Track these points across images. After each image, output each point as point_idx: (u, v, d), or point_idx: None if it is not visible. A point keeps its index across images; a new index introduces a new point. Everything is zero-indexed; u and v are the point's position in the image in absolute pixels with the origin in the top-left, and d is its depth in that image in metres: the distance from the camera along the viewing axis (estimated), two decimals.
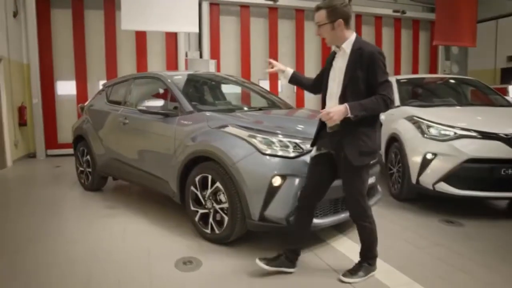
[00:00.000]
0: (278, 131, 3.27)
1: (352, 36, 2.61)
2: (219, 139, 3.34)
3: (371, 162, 2.72)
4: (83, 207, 4.78)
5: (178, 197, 3.76)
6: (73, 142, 5.75)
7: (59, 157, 8.62)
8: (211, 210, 3.39)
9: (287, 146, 3.14)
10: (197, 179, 3.47)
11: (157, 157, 4.00)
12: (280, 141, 3.16)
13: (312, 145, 2.83)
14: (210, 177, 3.36)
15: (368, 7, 10.92)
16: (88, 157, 5.31)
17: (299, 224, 2.84)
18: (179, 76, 4.41)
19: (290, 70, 2.96)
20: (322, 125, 2.69)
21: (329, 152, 2.68)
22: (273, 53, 10.19)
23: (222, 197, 3.30)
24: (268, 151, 3.10)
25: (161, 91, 4.50)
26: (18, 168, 7.65)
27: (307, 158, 3.09)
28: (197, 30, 7.83)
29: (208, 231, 3.43)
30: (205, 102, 4.43)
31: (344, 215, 3.31)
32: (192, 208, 3.56)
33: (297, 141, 3.18)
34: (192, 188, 3.53)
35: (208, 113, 3.70)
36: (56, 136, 9.07)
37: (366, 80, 2.49)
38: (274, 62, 2.94)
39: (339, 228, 3.73)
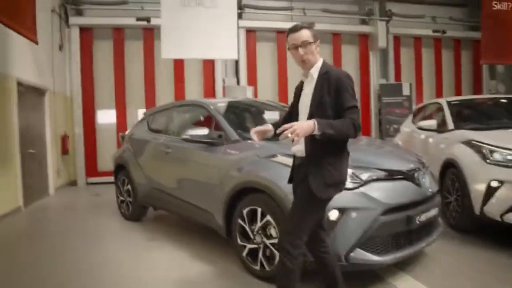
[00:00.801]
0: None
1: (319, 62, 2.42)
2: (268, 169, 3.14)
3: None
4: (124, 238, 4.66)
5: (223, 230, 3.57)
6: (114, 171, 5.72)
7: (99, 185, 8.68)
8: (261, 245, 3.16)
9: None
10: (245, 211, 3.27)
11: (201, 187, 3.85)
12: None
13: (289, 182, 2.59)
14: (259, 210, 3.15)
15: (406, 29, 10.66)
16: (129, 186, 5.24)
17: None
18: (222, 103, 4.29)
19: (271, 128, 2.61)
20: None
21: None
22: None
23: (273, 232, 3.08)
24: None
25: (202, 118, 4.40)
26: (60, 196, 7.73)
27: (366, 189, 2.85)
28: (236, 57, 7.81)
29: (257, 267, 3.19)
30: (249, 130, 4.27)
31: (408, 251, 3.02)
32: (240, 243, 3.35)
33: (354, 170, 2.94)
34: (240, 221, 3.32)
35: (255, 142, 3.51)
36: (96, 164, 9.19)
37: (334, 106, 2.29)
38: (257, 130, 2.59)
39: (400, 265, 3.40)
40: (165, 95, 9.14)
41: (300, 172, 2.41)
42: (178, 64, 9.41)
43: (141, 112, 8.96)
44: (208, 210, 3.74)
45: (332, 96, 2.27)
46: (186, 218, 4.53)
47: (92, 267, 3.70)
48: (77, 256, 4.04)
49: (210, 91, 9.41)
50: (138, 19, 9.02)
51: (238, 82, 9.54)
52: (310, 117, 2.27)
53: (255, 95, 9.41)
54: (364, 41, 10.50)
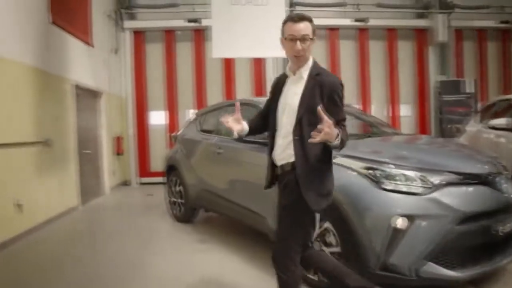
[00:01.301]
0: (400, 162, 2.74)
1: (310, 60, 2.19)
2: None
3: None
4: (174, 240, 4.60)
5: None
6: (165, 172, 5.71)
7: (150, 185, 8.81)
8: None
9: (413, 180, 2.61)
10: None
11: (253, 189, 3.67)
12: (403, 174, 2.64)
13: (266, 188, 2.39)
14: (318, 216, 2.91)
15: (469, 21, 9.91)
16: (180, 187, 5.19)
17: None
18: None
19: (246, 127, 2.41)
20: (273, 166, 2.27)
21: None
22: (364, 77, 9.65)
23: (332, 240, 2.84)
24: (390, 186, 2.60)
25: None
26: (114, 196, 7.91)
27: (439, 194, 2.54)
28: (283, 55, 7.57)
29: (315, 277, 2.96)
30: None
31: (487, 267, 2.67)
32: None
33: (423, 173, 2.64)
34: None
35: None
36: (148, 165, 9.36)
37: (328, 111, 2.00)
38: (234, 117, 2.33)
39: (476, 282, 3.02)
40: (215, 95, 9.12)
41: (286, 182, 2.17)
42: (228, 64, 9.36)
43: (191, 113, 9.03)
44: (260, 213, 3.57)
45: (325, 102, 2.04)
46: (237, 221, 4.38)
47: (140, 268, 3.67)
48: (126, 256, 4.05)
49: (260, 90, 9.27)
50: (188, 21, 9.08)
51: None
52: (299, 121, 2.07)
53: None
54: (421, 36, 9.89)
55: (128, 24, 9.21)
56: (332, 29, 9.58)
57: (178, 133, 5.67)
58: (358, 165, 2.79)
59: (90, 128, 7.39)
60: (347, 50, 9.72)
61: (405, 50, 9.90)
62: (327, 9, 9.49)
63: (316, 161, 2.09)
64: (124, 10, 9.19)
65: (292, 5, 9.12)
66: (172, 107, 9.40)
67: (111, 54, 8.63)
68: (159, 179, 7.11)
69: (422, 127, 9.89)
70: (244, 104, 4.33)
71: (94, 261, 3.96)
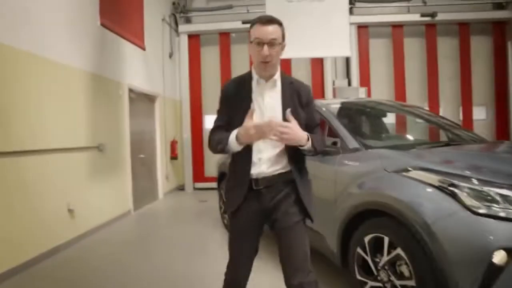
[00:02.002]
0: (494, 179, 2.20)
1: (279, 68, 2.02)
2: (400, 187, 2.42)
3: None
4: (225, 253, 4.28)
5: (338, 258, 2.93)
6: (217, 179, 5.45)
7: (205, 191, 8.66)
8: (387, 285, 2.46)
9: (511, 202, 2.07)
10: (366, 239, 2.60)
11: (315, 206, 3.26)
12: (500, 194, 2.10)
13: (233, 212, 2.00)
14: (386, 240, 2.45)
15: None
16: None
17: None
18: (335, 105, 3.65)
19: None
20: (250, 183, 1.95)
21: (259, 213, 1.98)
22: (433, 76, 8.84)
23: (405, 270, 2.36)
24: (483, 210, 2.07)
25: None
26: (168, 201, 7.83)
27: None
28: (349, 54, 7.09)
29: None
30: (371, 136, 3.57)
31: None
32: (358, 277, 2.68)
33: None
34: (359, 250, 2.67)
35: (381, 151, 2.82)
36: (203, 170, 9.21)
37: (304, 121, 1.97)
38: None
39: None
40: None
41: (284, 194, 1.97)
42: (285, 66, 8.98)
43: None
44: (319, 231, 3.14)
45: (305, 110, 1.99)
46: None
47: (188, 280, 3.45)
48: (175, 266, 3.87)
49: (319, 93, 8.80)
50: (243, 22, 8.84)
51: (349, 83, 8.78)
52: None
53: (369, 96, 8.54)
54: (499, 30, 8.87)
55: (183, 28, 9.17)
56: (396, 26, 8.88)
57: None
58: (436, 179, 2.28)
59: (144, 132, 7.36)
60: (413, 48, 8.96)
61: (479, 46, 8.94)
62: (390, 4, 8.83)
63: (306, 170, 2.07)
64: (178, 14, 9.18)
65: (351, 2, 8.57)
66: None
67: (166, 58, 8.61)
68: (214, 184, 6.89)
69: (500, 132, 8.87)
70: None
71: (142, 270, 3.81)
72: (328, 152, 3.08)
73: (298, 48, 6.55)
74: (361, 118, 3.75)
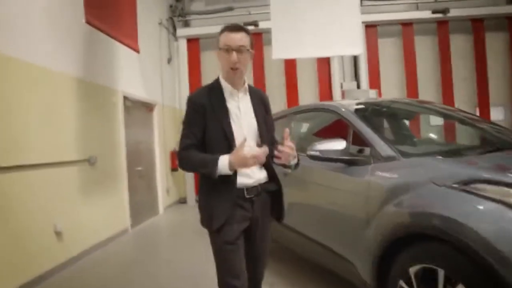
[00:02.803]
0: None
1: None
2: (458, 205, 1.89)
3: None
4: None
5: None
6: None
7: None
8: None
9: None
10: (412, 271, 2.06)
11: (337, 224, 2.74)
12: None
13: (219, 227, 1.88)
14: (441, 273, 1.92)
15: None
16: None
17: None
18: (358, 106, 3.14)
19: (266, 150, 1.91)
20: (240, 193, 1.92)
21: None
22: (447, 76, 8.32)
23: None
24: None
25: (331, 127, 3.31)
26: (169, 216, 7.30)
27: None
28: (361, 51, 6.58)
29: None
30: (408, 142, 3.05)
31: None
32: None
33: None
34: (402, 283, 2.13)
35: (425, 160, 2.30)
36: None
37: (271, 128, 2.12)
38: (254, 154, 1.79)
39: None
40: (276, 103, 8.25)
41: (263, 201, 2.02)
42: (290, 69, 8.52)
43: None
44: (348, 258, 2.62)
45: (267, 117, 2.08)
46: (315, 262, 3.42)
47: None
48: None
49: (326, 96, 8.30)
50: (245, 24, 8.39)
51: (358, 85, 8.28)
52: (261, 138, 1.97)
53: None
54: None
55: (182, 32, 8.72)
56: (406, 24, 8.40)
57: None
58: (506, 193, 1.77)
59: (142, 143, 6.85)
60: (424, 47, 8.47)
61: (495, 43, 8.43)
62: (400, 1, 8.37)
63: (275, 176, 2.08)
64: (176, 17, 8.74)
65: None
66: None
67: (164, 64, 8.14)
68: None
69: None
70: (316, 110, 3.44)
71: None
72: (354, 162, 2.57)
73: (305, 48, 6.08)
74: (389, 120, 3.22)
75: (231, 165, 1.78)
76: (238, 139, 1.85)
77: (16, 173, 3.61)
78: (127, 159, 5.96)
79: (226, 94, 1.96)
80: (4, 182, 3.46)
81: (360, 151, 2.65)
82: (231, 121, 1.91)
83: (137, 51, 5.31)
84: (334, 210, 2.76)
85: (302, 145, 3.49)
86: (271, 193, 2.04)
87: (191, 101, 1.96)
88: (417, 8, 8.43)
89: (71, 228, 4.35)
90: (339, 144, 2.57)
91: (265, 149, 1.78)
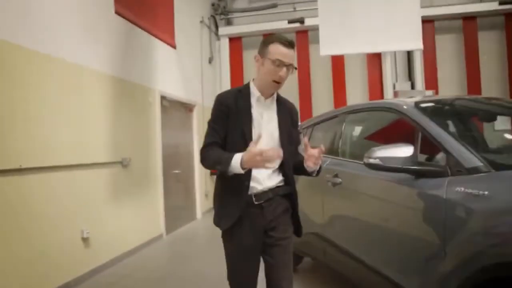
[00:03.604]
0: None
1: None
2: None
3: None
4: None
5: None
6: None
7: None
8: None
9: None
10: None
11: (399, 248, 2.21)
12: None
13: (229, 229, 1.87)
14: None
15: None
16: None
17: None
18: (428, 104, 2.59)
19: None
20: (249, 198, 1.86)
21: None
22: None
23: None
24: None
25: (393, 130, 2.78)
26: (207, 221, 6.90)
27: None
28: (420, 47, 5.91)
29: None
30: (494, 150, 2.46)
31: None
32: None
33: None
34: None
35: None
36: None
37: (296, 138, 2.10)
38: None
39: None
40: (322, 105, 7.74)
41: (273, 209, 1.91)
42: (337, 69, 7.97)
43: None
44: (401, 284, 2.09)
45: (293, 129, 2.06)
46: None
47: None
48: None
49: (377, 98, 7.67)
50: (289, 22, 7.98)
51: (412, 86, 7.59)
52: (284, 152, 1.84)
53: None
54: None
55: (224, 30, 8.42)
56: (468, 17, 7.60)
57: None
58: None
59: (180, 145, 6.57)
60: (489, 43, 7.63)
61: None
62: None
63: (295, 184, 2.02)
64: (218, 16, 8.45)
65: None
66: None
67: (205, 63, 7.85)
68: None
69: None
70: (373, 109, 2.91)
71: None
72: (425, 173, 2.04)
73: (356, 43, 5.53)
74: (469, 122, 2.61)
75: (242, 163, 1.72)
76: (260, 144, 1.76)
77: (41, 175, 3.37)
78: (163, 161, 5.69)
79: (253, 100, 1.94)
80: (32, 183, 3.24)
81: (430, 159, 2.12)
82: (252, 127, 1.89)
83: (174, 46, 5.01)
84: (395, 231, 2.23)
85: (354, 151, 2.99)
86: (287, 197, 1.97)
87: (218, 101, 1.94)
88: (481, 0, 7.61)
89: (100, 234, 4.09)
90: (405, 151, 2.05)
91: (278, 150, 1.72)
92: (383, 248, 2.36)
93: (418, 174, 2.05)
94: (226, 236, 1.94)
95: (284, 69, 1.84)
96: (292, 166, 1.96)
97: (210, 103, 6.89)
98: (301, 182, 3.53)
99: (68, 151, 3.71)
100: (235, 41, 8.48)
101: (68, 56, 3.77)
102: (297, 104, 8.00)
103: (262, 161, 1.67)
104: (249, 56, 8.50)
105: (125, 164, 4.62)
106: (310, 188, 3.34)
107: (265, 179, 1.89)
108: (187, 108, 6.94)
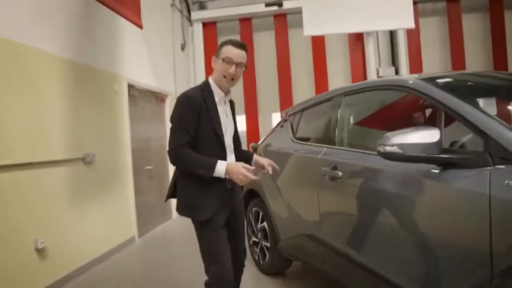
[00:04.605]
0: None
1: None
2: None
3: None
4: None
5: None
6: (244, 198, 4.05)
7: None
8: None
9: None
10: None
11: (412, 253, 1.79)
12: None
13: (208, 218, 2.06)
14: None
15: None
16: (265, 224, 3.48)
17: None
18: (448, 79, 2.17)
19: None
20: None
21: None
22: (501, 60, 7.20)
23: None
24: None
25: (405, 113, 2.35)
26: (184, 220, 6.39)
27: None
28: (412, 25, 5.53)
29: None
30: None
31: None
32: None
33: None
34: None
35: None
36: None
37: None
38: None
39: None
40: (302, 93, 7.30)
41: (236, 192, 2.28)
42: (318, 54, 7.55)
43: (276, 117, 7.37)
44: None
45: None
46: None
47: None
48: None
49: (360, 78, 7.30)
50: (267, 5, 7.51)
51: (396, 71, 7.27)
52: (234, 143, 2.27)
53: None
54: None
55: (197, 15, 7.85)
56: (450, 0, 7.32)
57: (260, 143, 3.96)
58: None
59: (152, 139, 6.02)
60: (474, 26, 7.39)
61: None
62: None
63: None
64: None
65: None
66: (252, 110, 7.79)
67: (177, 50, 7.29)
68: None
69: None
70: (380, 87, 2.46)
71: None
72: (454, 163, 1.62)
73: (342, 22, 5.10)
74: (498, 101, 2.19)
75: (227, 173, 1.98)
76: (227, 143, 2.15)
77: None
78: (133, 157, 5.14)
79: (217, 99, 2.13)
80: None
81: (460, 145, 1.71)
82: (221, 124, 2.12)
83: (140, 26, 4.44)
84: (413, 233, 1.80)
85: (355, 139, 2.56)
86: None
87: (189, 99, 2.05)
88: None
89: (59, 242, 3.55)
90: (430, 135, 1.62)
91: (255, 178, 2.00)
92: (396, 253, 1.94)
93: (448, 164, 1.63)
94: (203, 225, 2.07)
95: (234, 66, 2.07)
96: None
97: None
98: (287, 175, 3.10)
99: (17, 147, 3.14)
100: (209, 26, 7.93)
101: (17, 37, 3.18)
102: (276, 92, 7.62)
103: (242, 180, 1.97)
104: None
105: (88, 160, 4.07)
106: (300, 183, 2.90)
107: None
108: (159, 98, 6.38)
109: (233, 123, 2.25)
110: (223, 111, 2.16)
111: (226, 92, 2.17)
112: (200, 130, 2.03)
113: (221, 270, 2.04)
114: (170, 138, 2.05)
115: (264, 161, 2.24)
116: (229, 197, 2.15)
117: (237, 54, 2.07)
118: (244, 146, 6.50)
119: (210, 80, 2.15)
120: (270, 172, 2.19)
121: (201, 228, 2.08)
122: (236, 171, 1.95)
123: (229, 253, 2.11)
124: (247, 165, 1.99)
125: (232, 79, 2.10)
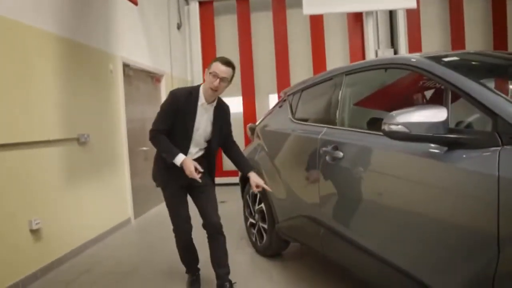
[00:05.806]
0: None
1: None
2: None
3: None
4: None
5: None
6: (240, 180, 4.01)
7: (224, 187, 7.19)
8: None
9: None
10: None
11: (431, 241, 1.73)
12: None
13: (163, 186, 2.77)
14: None
15: None
16: (262, 205, 3.45)
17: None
18: (454, 58, 2.11)
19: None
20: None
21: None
22: (502, 44, 7.12)
23: None
24: None
25: (409, 92, 2.29)
26: None
27: None
28: (414, 5, 5.44)
29: None
30: None
31: None
32: None
33: None
34: None
35: None
36: (221, 162, 7.74)
37: (226, 132, 2.81)
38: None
39: None
40: (300, 75, 7.21)
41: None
42: (317, 36, 7.45)
43: (273, 99, 7.30)
44: (425, 281, 1.66)
45: (226, 124, 2.81)
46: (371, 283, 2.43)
47: None
48: None
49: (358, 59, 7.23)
50: None
51: (395, 53, 7.19)
52: (209, 142, 2.74)
53: None
54: None
55: None
56: None
57: (258, 123, 3.91)
58: None
59: (148, 119, 5.91)
60: (474, 9, 7.28)
61: None
62: None
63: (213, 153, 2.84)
64: None
65: None
66: (249, 91, 7.69)
67: (173, 30, 7.14)
68: (234, 179, 5.45)
69: None
70: (383, 66, 2.39)
71: None
72: (461, 143, 1.57)
73: (341, 0, 4.97)
74: (506, 80, 2.13)
75: (182, 164, 2.50)
76: (194, 138, 2.63)
77: None
78: (128, 137, 5.07)
79: (199, 103, 2.58)
80: None
81: (468, 125, 1.66)
82: (194, 124, 2.58)
83: (135, 3, 4.32)
84: (424, 216, 1.75)
85: (357, 119, 2.51)
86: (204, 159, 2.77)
87: (174, 97, 2.57)
88: None
89: (54, 224, 3.51)
90: (437, 114, 1.57)
91: (199, 175, 2.51)
92: (401, 237, 1.90)
93: (455, 144, 1.58)
94: (163, 190, 2.78)
95: (218, 80, 2.47)
96: (216, 148, 2.81)
97: (179, 73, 6.23)
98: (285, 155, 3.05)
99: (10, 126, 3.06)
100: (206, 6, 7.77)
101: (9, 13, 3.07)
102: (273, 73, 7.52)
103: (189, 174, 2.48)
104: (221, 23, 7.85)
105: (82, 141, 4.00)
106: (299, 163, 2.85)
107: (193, 155, 2.68)
108: (155, 78, 6.28)
109: (211, 126, 2.66)
110: (201, 114, 2.59)
111: (210, 101, 2.58)
112: (176, 123, 2.54)
113: (177, 219, 2.76)
114: (154, 120, 2.62)
115: (254, 183, 2.67)
116: (181, 175, 2.53)
117: (222, 70, 2.47)
118: (241, 128, 6.44)
119: (201, 87, 2.59)
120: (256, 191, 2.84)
121: (162, 192, 2.77)
122: (188, 167, 2.46)
123: (186, 210, 2.75)
124: (198, 166, 2.49)
125: (216, 91, 2.51)
